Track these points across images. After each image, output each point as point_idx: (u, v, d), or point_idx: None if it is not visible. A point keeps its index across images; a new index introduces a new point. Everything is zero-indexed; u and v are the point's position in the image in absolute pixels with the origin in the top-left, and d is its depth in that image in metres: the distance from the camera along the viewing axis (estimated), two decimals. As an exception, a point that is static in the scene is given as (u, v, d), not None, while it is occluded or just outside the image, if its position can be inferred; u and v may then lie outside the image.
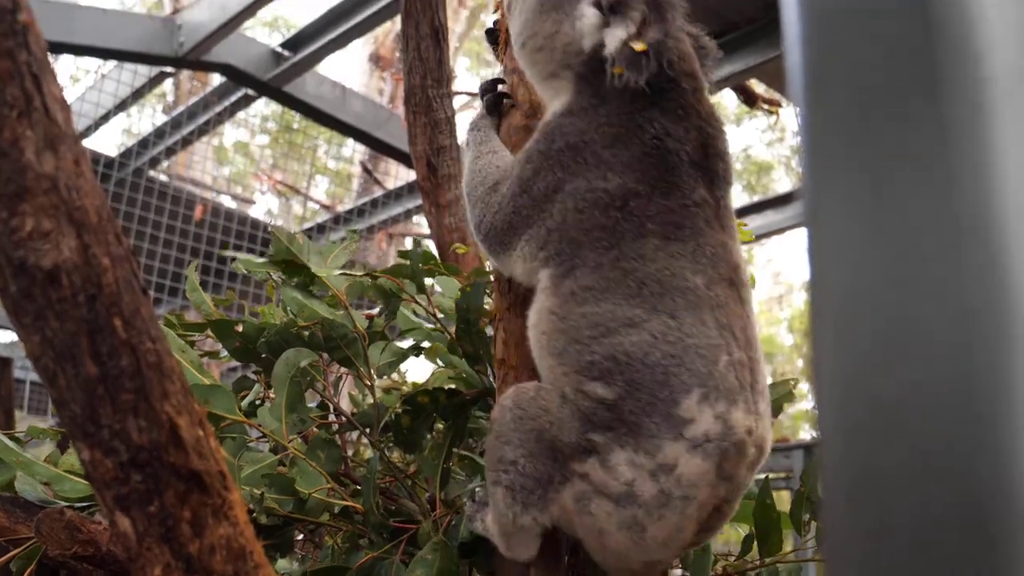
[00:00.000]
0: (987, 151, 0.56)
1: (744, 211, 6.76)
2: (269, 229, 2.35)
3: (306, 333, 2.15)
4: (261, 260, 2.36)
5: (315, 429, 2.14)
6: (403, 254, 2.25)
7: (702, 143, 1.74)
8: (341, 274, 2.26)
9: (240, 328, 2.22)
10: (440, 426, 2.17)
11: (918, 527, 0.54)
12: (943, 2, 0.57)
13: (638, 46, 1.66)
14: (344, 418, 2.30)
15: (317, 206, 9.96)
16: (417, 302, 2.26)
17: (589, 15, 1.75)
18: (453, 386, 2.19)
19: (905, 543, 0.55)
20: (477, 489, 1.99)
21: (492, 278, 2.09)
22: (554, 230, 1.74)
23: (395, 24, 10.16)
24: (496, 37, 2.19)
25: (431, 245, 2.74)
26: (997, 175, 0.55)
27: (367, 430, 2.18)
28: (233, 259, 2.34)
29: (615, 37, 1.70)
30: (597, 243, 1.69)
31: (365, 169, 10.09)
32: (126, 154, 6.55)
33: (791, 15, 0.69)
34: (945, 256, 0.56)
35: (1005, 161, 0.55)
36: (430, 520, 1.95)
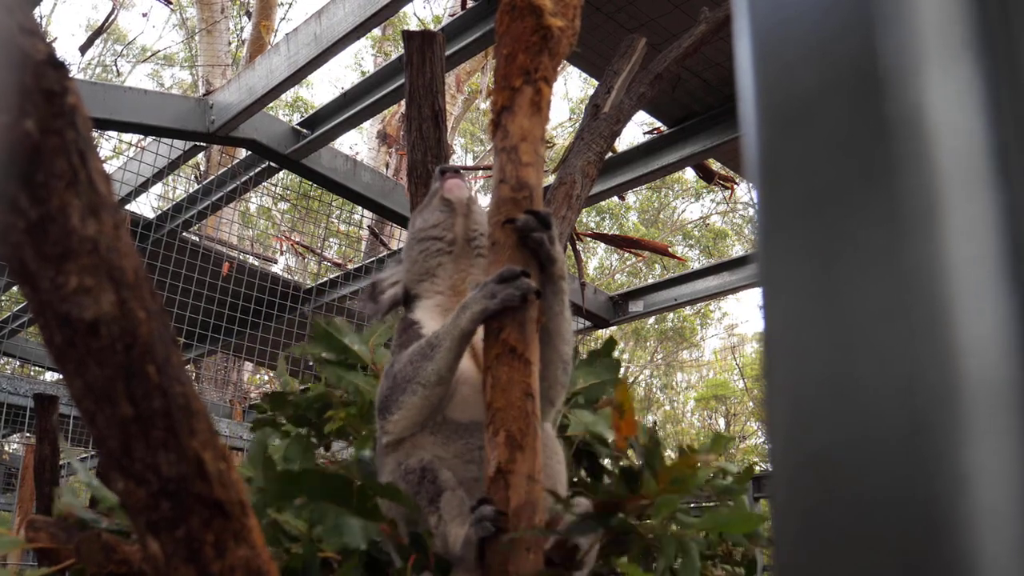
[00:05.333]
0: (927, 225, 0.55)
1: (702, 272, 6.81)
2: (309, 321, 2.46)
3: (343, 398, 2.21)
4: (310, 345, 2.42)
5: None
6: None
7: None
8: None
9: (292, 399, 2.31)
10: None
11: (858, 567, 0.53)
12: (894, 95, 0.56)
13: None
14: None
15: (330, 264, 9.94)
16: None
17: None
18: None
19: None
20: None
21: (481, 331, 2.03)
22: None
23: (400, 107, 10.24)
24: None
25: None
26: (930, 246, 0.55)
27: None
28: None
29: None
30: None
31: (372, 232, 10.09)
32: (162, 217, 6.55)
33: (748, 106, 0.68)
34: (886, 319, 0.55)
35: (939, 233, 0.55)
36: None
